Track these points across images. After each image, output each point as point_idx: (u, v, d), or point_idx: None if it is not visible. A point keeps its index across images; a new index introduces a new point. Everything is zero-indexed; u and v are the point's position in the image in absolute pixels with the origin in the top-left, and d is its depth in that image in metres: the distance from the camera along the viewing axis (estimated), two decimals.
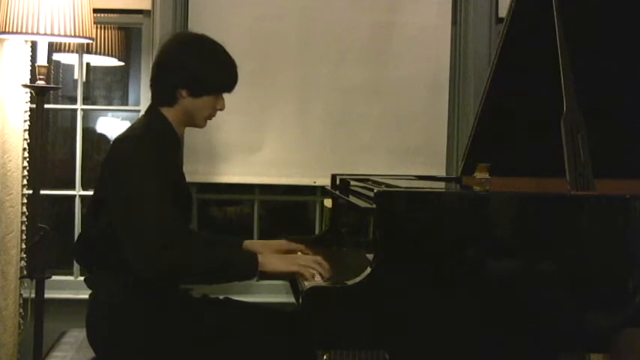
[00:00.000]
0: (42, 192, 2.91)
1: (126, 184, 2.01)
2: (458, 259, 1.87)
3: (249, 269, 2.05)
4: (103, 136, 4.04)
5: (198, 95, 2.15)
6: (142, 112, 3.10)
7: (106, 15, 3.18)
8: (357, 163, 3.10)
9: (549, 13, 2.11)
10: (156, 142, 2.10)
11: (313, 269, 2.04)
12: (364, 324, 1.84)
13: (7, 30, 2.65)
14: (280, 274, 2.09)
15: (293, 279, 2.16)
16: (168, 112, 2.17)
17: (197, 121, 2.21)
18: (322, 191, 3.15)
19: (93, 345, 2.14)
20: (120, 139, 2.14)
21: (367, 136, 3.14)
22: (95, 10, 2.88)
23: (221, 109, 2.22)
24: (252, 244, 2.45)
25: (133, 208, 1.97)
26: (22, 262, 2.99)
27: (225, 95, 2.21)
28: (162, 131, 2.16)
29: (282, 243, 2.44)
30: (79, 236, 2.34)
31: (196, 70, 2.13)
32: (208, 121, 2.23)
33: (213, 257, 2.06)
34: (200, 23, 2.98)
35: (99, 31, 3.50)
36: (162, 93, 2.18)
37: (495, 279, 1.88)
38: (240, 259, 2.11)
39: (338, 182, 2.61)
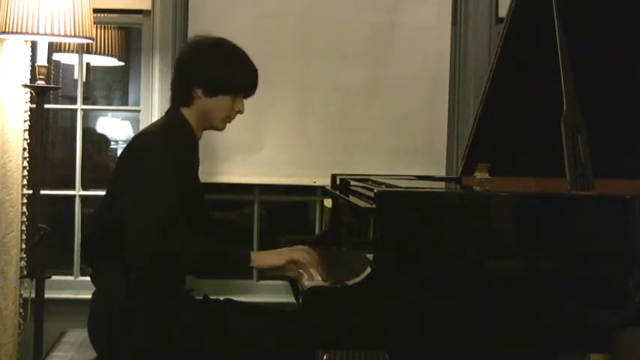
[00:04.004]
0: (42, 192, 2.91)
1: (138, 174, 2.03)
2: (458, 259, 1.87)
3: (241, 261, 2.06)
4: (103, 136, 4.04)
5: (213, 94, 2.17)
6: (142, 112, 3.15)
7: (106, 15, 3.17)
8: (357, 163, 3.09)
9: (549, 13, 2.11)
10: (172, 138, 2.12)
11: (305, 259, 2.05)
12: (364, 324, 1.84)
13: (7, 30, 2.65)
14: (273, 268, 2.09)
15: (293, 279, 2.17)
16: (187, 113, 2.20)
17: (214, 122, 2.22)
18: (322, 191, 3.15)
19: (94, 345, 2.14)
20: (137, 135, 2.17)
21: (367, 136, 3.14)
22: (95, 10, 2.87)
23: (240, 112, 2.24)
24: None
25: (139, 196, 1.98)
26: (22, 262, 2.99)
27: None
28: (179, 129, 2.18)
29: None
30: (87, 233, 2.34)
31: (210, 69, 2.16)
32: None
33: (208, 248, 2.06)
34: (200, 23, 2.99)
35: (99, 31, 3.50)
36: (179, 92, 2.21)
37: (495, 279, 1.88)
38: (232, 251, 2.11)
39: (338, 182, 2.61)
